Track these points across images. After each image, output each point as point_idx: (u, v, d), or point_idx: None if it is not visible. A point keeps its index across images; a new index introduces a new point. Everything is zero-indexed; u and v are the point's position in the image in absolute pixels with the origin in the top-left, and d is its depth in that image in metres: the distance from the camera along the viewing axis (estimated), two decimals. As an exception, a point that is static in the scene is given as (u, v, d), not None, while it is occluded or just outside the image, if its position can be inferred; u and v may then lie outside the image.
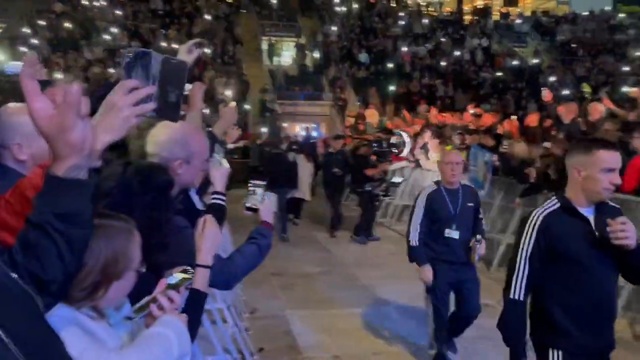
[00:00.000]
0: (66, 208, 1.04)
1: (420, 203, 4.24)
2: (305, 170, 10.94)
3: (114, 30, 22.97)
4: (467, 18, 29.95)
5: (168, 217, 1.75)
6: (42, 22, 22.88)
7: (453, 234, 4.05)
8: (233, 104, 4.01)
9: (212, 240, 1.83)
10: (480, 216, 4.26)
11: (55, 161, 1.05)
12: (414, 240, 4.14)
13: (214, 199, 2.82)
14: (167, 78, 1.29)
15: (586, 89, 23.61)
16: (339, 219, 9.81)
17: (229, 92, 14.22)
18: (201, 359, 2.78)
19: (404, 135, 10.88)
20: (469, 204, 4.11)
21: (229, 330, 4.18)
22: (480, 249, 4.00)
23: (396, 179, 10.15)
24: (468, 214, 4.11)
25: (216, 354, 3.32)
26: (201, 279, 1.79)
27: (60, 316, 1.19)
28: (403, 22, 27.76)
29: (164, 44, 22.80)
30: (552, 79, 23.97)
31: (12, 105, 1.96)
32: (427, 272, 4.07)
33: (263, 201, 2.24)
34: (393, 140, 10.33)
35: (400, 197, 11.04)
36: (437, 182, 4.25)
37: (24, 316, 0.94)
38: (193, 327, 1.86)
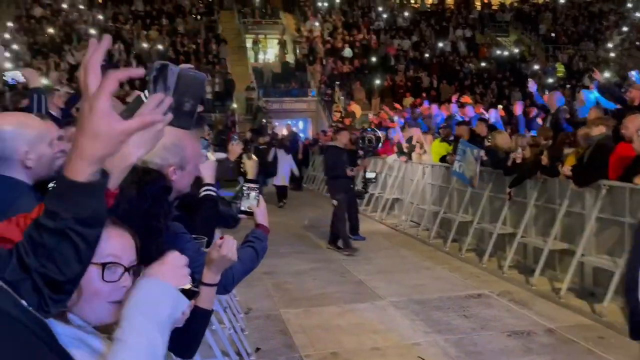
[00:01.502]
0: (88, 212, 1.03)
1: None
2: (284, 161, 13.35)
3: (94, 33, 22.69)
4: (450, 9, 30.03)
5: (166, 225, 1.73)
6: (18, 26, 22.55)
7: None
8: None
9: (225, 262, 1.80)
10: None
11: (79, 164, 1.02)
12: None
13: (205, 190, 2.86)
14: (183, 88, 1.35)
15: (560, 68, 24.00)
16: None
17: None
18: (200, 363, 2.78)
19: (378, 132, 10.99)
20: None
21: (225, 332, 4.17)
22: None
23: (370, 174, 10.06)
24: None
25: (215, 357, 3.32)
26: (207, 298, 1.75)
27: (65, 335, 1.18)
28: (385, 16, 27.79)
29: (145, 45, 22.59)
30: (536, 67, 24.18)
31: (3, 115, 1.94)
32: None
33: (258, 203, 2.23)
34: (368, 136, 10.36)
35: (390, 191, 11.09)
36: None
37: (39, 351, 0.91)
38: (196, 344, 1.84)
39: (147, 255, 1.55)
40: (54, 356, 0.93)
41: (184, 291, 1.53)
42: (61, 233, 1.01)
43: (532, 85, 8.55)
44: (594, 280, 5.79)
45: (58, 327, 1.17)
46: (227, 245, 1.76)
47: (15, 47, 20.82)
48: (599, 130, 5.44)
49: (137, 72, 1.06)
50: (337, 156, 8.46)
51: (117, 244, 1.31)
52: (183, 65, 1.78)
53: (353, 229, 9.09)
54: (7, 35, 21.31)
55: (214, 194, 2.90)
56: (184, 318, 1.47)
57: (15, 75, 3.77)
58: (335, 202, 8.38)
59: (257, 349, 4.65)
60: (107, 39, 1.05)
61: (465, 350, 4.49)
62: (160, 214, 1.76)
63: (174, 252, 1.37)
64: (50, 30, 22.34)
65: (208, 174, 2.91)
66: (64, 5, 24.59)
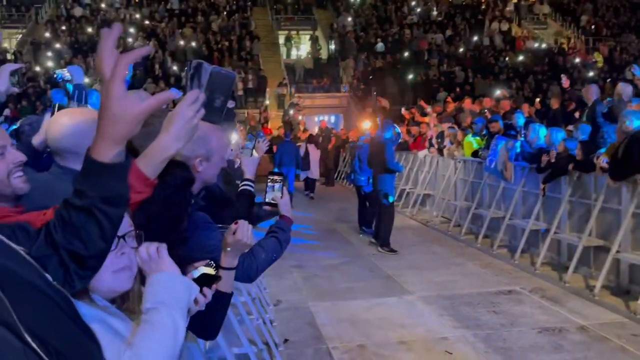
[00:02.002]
0: (112, 192, 1.10)
1: None
2: (314, 156, 14.88)
3: (132, 31, 23.23)
4: (485, 1, 29.44)
5: (188, 213, 1.79)
6: (62, 27, 23.25)
7: None
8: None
9: (242, 247, 1.86)
10: None
11: (104, 146, 1.09)
12: None
13: (244, 185, 2.95)
14: (215, 86, 1.48)
15: (598, 58, 23.29)
16: None
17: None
18: (226, 350, 2.85)
19: (397, 127, 10.88)
20: None
21: (253, 322, 4.25)
22: None
23: None
24: None
25: (241, 346, 3.39)
26: (226, 281, 1.81)
27: (88, 315, 1.24)
28: (419, 10, 27.47)
29: (181, 42, 22.96)
30: (577, 60, 23.46)
31: (71, 110, 2.04)
32: None
33: (282, 195, 2.28)
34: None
35: (421, 186, 11.00)
36: None
37: (61, 322, 0.95)
38: (217, 326, 1.91)
39: (168, 240, 1.62)
40: (77, 329, 0.98)
41: (207, 277, 1.59)
42: (87, 211, 1.08)
43: (564, 82, 8.35)
44: (630, 277, 5.63)
45: (82, 308, 1.24)
46: (241, 230, 1.82)
47: (57, 46, 21.51)
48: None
49: (145, 50, 1.11)
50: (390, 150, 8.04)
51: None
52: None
53: (369, 223, 9.06)
54: (47, 34, 22.01)
55: (251, 189, 2.99)
56: (205, 302, 1.54)
57: (63, 72, 3.96)
58: (391, 199, 8.02)
59: (286, 340, 4.72)
60: (117, 27, 1.12)
61: (493, 345, 4.46)
62: (182, 203, 1.83)
63: (145, 245, 1.42)
64: (90, 30, 22.96)
65: (250, 169, 3.00)
66: (103, 5, 25.24)
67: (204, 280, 1.58)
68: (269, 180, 2.31)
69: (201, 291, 1.54)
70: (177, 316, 1.33)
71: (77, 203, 1.08)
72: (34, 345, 0.82)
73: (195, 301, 1.52)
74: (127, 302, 1.38)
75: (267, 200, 2.33)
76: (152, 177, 1.48)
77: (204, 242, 2.01)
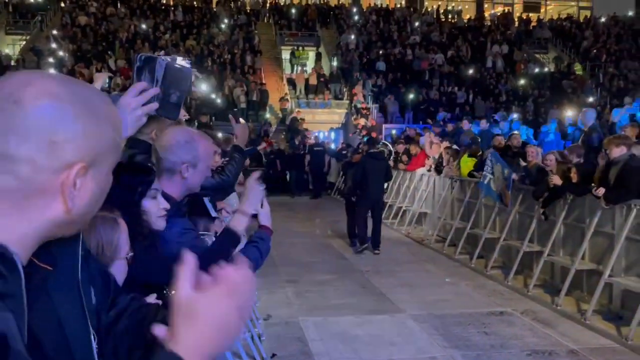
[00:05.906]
0: None
1: None
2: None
3: (137, 42, 23.39)
4: (488, 26, 29.75)
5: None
6: (66, 35, 23.38)
7: None
8: (242, 121, 4.32)
9: (255, 196, 2.15)
10: None
11: None
12: None
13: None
14: (170, 81, 1.45)
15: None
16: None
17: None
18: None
19: (389, 145, 10.95)
20: None
21: (240, 336, 4.20)
22: None
23: None
24: None
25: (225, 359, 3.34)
26: (238, 223, 2.11)
27: None
28: (421, 30, 27.69)
29: (182, 53, 23.06)
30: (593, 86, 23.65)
31: None
32: None
33: (262, 206, 2.25)
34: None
35: (418, 204, 10.98)
36: None
37: None
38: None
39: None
40: None
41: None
42: None
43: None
44: (622, 302, 5.59)
45: None
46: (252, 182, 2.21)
47: (60, 53, 21.63)
48: (619, 151, 5.30)
49: None
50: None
51: (126, 236, 1.46)
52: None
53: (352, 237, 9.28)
54: (53, 45, 22.12)
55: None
56: None
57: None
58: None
59: (273, 355, 4.67)
60: None
61: (482, 367, 4.41)
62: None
63: None
64: (91, 38, 23.12)
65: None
66: (108, 14, 25.44)
67: None
68: None
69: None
70: None
71: None
72: None
73: None
74: None
75: None
76: None
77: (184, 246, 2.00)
